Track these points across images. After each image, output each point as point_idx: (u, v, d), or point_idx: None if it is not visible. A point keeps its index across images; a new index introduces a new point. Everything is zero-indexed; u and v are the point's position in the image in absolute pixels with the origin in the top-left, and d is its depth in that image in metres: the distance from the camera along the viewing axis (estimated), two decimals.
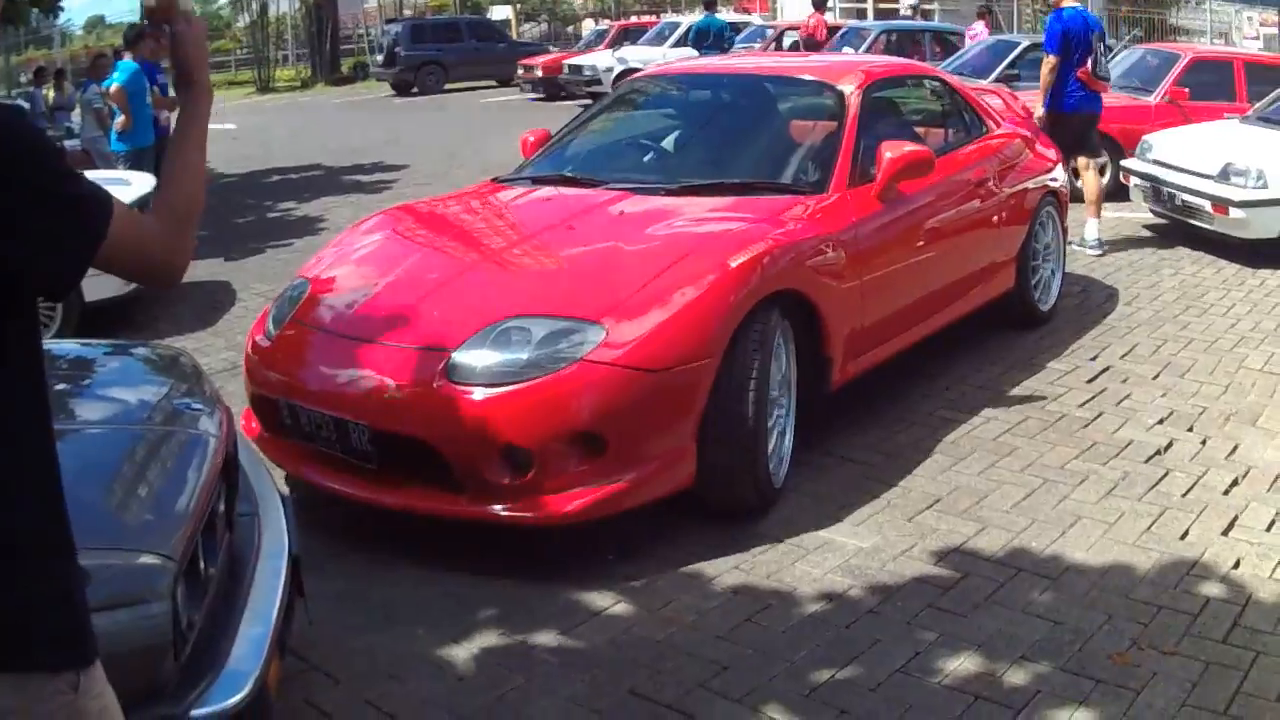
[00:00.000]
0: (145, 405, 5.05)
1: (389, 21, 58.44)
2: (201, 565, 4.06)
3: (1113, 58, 20.76)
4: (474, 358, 6.65)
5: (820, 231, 8.01)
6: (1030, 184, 11.04)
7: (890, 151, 8.69)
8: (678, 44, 37.15)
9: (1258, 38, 50.60)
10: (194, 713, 3.70)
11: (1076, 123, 14.31)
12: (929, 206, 9.34)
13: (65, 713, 2.55)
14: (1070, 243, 13.00)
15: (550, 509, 6.48)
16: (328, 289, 7.84)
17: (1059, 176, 11.76)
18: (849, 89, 9.43)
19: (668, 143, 10.03)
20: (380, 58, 48.95)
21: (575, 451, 6.50)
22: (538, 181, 9.34)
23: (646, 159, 9.77)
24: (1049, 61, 14.33)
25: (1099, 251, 14.23)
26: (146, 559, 3.64)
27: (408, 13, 71.68)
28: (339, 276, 8.02)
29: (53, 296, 2.55)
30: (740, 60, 15.92)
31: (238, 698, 3.82)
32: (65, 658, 2.57)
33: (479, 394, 6.49)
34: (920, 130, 10.64)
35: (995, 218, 10.36)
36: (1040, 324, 11.22)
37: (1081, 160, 14.72)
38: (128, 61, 16.42)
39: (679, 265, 7.24)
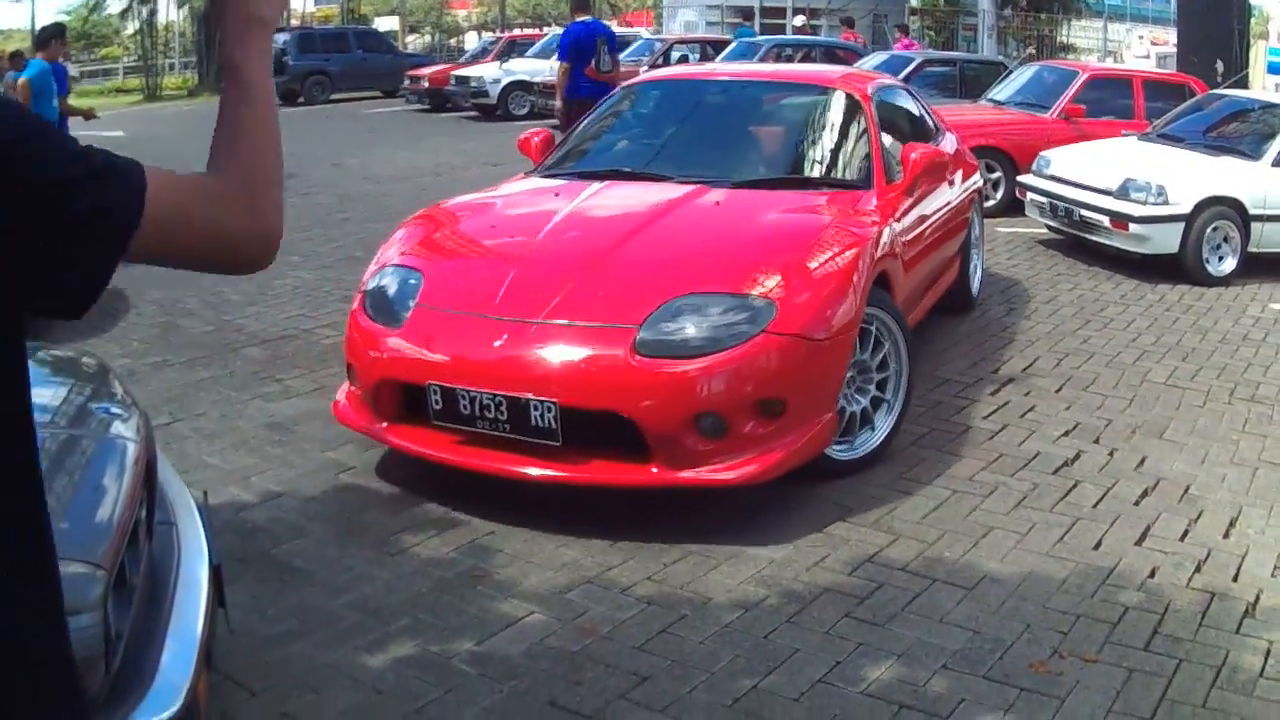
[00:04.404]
0: (45, 409, 4.87)
1: (277, 31, 58.12)
2: (127, 574, 3.93)
3: (1006, 76, 21.16)
4: (661, 333, 7.13)
5: (885, 221, 8.78)
6: (969, 183, 12.21)
7: (915, 153, 9.76)
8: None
9: (1148, 56, 51.05)
10: None
11: (589, 106, 15.70)
12: (929, 201, 10.29)
13: None
14: None
15: (743, 470, 7.00)
16: (454, 275, 8.13)
17: (979, 177, 12.86)
18: (861, 94, 10.31)
19: (712, 141, 10.39)
20: None
21: (759, 416, 7.05)
22: (588, 176, 9.69)
23: (697, 156, 9.97)
24: (562, 66, 17.98)
25: None
26: (76, 568, 3.49)
27: (295, 23, 71.32)
28: (457, 263, 8.40)
29: (67, 316, 2.02)
30: (755, 67, 19.15)
31: (170, 711, 3.68)
32: None
33: (673, 367, 6.98)
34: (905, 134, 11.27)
35: (957, 214, 11.37)
36: (972, 308, 12.40)
37: None
38: (38, 60, 16.38)
39: (816, 246, 7.96)
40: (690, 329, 7.17)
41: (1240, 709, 5.36)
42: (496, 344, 7.27)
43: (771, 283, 7.45)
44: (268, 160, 2.21)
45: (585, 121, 11.32)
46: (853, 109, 10.19)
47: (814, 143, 10.46)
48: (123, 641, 3.74)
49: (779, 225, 8.47)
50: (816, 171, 9.87)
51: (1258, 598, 6.41)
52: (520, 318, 7.40)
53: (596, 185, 9.38)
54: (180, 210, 2.05)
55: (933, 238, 10.37)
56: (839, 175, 9.73)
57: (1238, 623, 6.13)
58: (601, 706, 5.28)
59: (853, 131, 10.10)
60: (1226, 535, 7.21)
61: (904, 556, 6.77)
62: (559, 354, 7.15)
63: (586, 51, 17.71)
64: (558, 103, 18.78)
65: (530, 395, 7.01)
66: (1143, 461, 8.33)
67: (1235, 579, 6.64)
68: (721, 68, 17.95)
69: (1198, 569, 6.71)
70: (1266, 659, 5.78)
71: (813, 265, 7.72)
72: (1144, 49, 57.96)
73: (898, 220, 9.14)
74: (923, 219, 10.03)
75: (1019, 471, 8.06)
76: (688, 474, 6.98)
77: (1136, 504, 7.60)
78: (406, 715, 5.23)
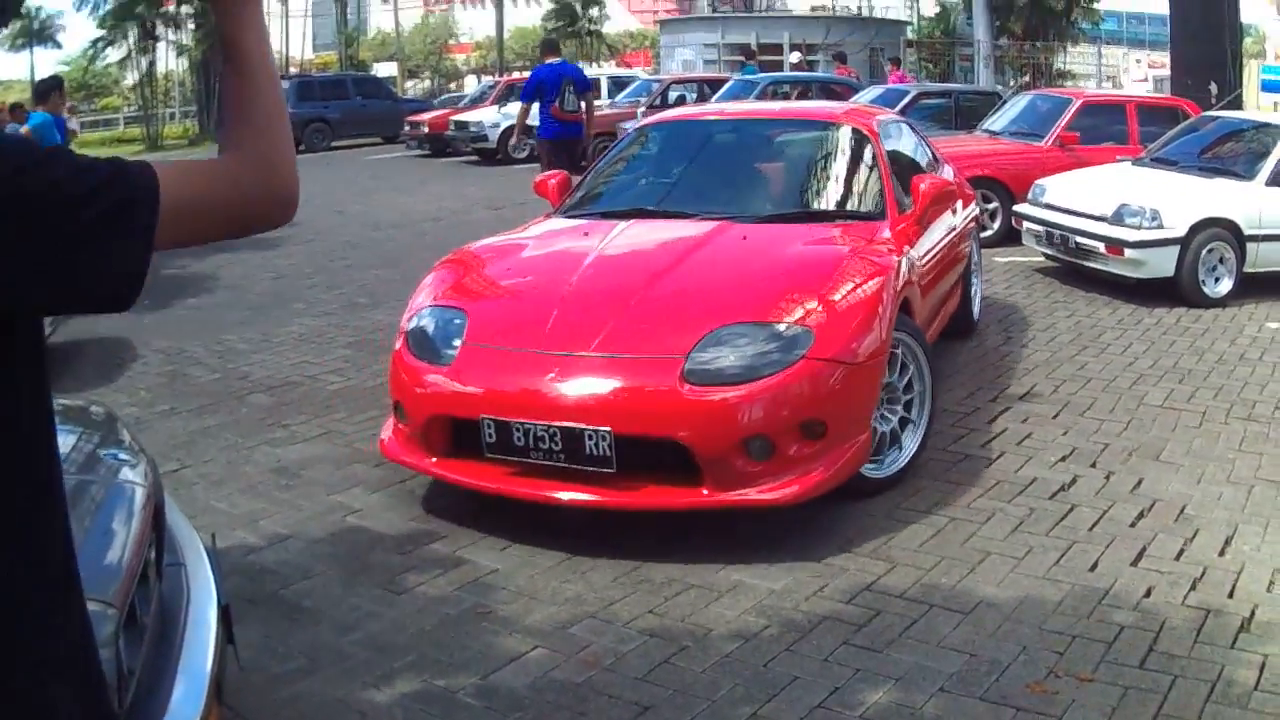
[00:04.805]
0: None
1: None
2: (138, 613, 4.03)
3: (1000, 106, 21.26)
4: (708, 362, 7.45)
5: (901, 249, 9.10)
6: (968, 211, 12.60)
7: (924, 184, 10.26)
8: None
9: (1146, 80, 51.15)
10: None
11: (561, 144, 18.52)
12: (936, 229, 10.58)
13: None
14: None
15: (787, 490, 7.29)
16: (499, 313, 8.42)
17: (975, 206, 13.18)
18: (868, 129, 10.74)
19: (730, 178, 10.74)
20: None
21: (802, 437, 7.36)
22: (611, 216, 9.95)
23: (716, 193, 10.32)
24: (522, 107, 19.63)
25: None
26: (88, 606, 3.58)
27: (294, 70, 71.34)
28: (499, 302, 8.64)
29: (114, 310, 2.19)
30: (761, 105, 20.20)
31: None
32: None
33: (721, 394, 7.30)
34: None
35: (960, 241, 11.74)
36: (973, 332, 12.68)
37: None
38: (39, 113, 16.65)
39: (844, 275, 8.30)
40: (735, 357, 7.48)
41: None
42: (549, 377, 7.54)
43: (807, 311, 7.77)
44: (275, 124, 2.33)
45: (600, 163, 11.58)
46: (861, 143, 10.55)
47: (827, 177, 10.80)
48: (135, 678, 3.82)
49: (806, 256, 8.79)
50: (832, 204, 10.20)
51: (1253, 613, 6.46)
52: (570, 351, 7.69)
53: (622, 224, 9.59)
54: (198, 193, 2.21)
55: (941, 264, 10.72)
56: (854, 207, 10.06)
57: (1233, 638, 6.18)
58: None
59: (863, 165, 10.41)
60: (1222, 553, 7.27)
61: (901, 584, 6.84)
62: (611, 385, 7.47)
63: (551, 93, 18.60)
64: (513, 140, 21.84)
65: (585, 425, 7.27)
66: (1139, 483, 8.39)
67: (1231, 595, 6.69)
68: (730, 107, 18.94)
69: (1193, 587, 6.77)
70: (1261, 672, 5.83)
71: (844, 293, 8.04)
72: (1142, 73, 58.15)
73: (912, 248, 9.47)
74: (933, 247, 10.36)
75: (1016, 497, 8.13)
76: (736, 495, 7.26)
77: (1132, 525, 7.66)
78: None
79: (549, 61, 19.42)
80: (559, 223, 10.17)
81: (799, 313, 7.77)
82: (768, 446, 7.27)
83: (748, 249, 8.97)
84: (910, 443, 8.47)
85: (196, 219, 2.21)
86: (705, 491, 7.26)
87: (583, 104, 18.76)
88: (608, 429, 7.22)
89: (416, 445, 7.98)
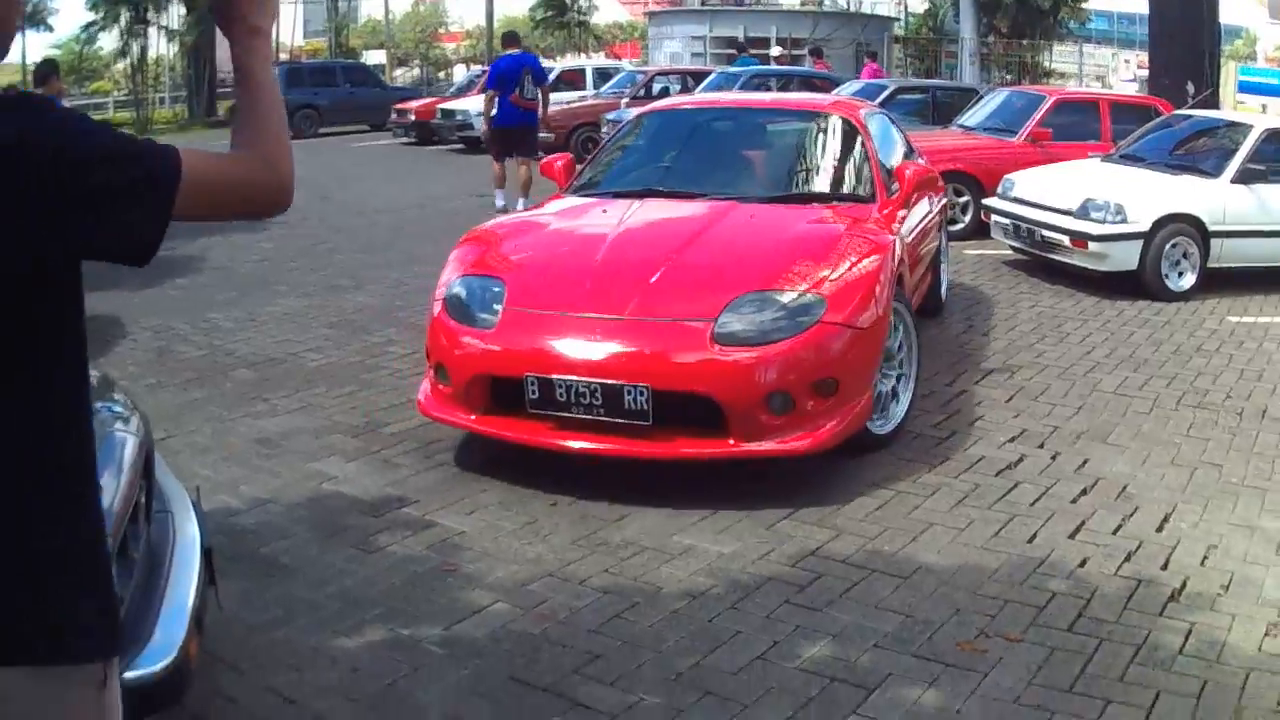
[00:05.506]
0: None
1: None
2: (129, 548, 4.39)
3: (977, 101, 21.41)
4: (735, 325, 8.10)
5: (891, 230, 9.85)
6: (939, 199, 13.42)
7: (908, 170, 11.11)
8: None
9: (1134, 79, 51.08)
10: (126, 675, 3.98)
11: (515, 132, 20.37)
12: (916, 212, 11.41)
13: (94, 708, 2.71)
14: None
15: (801, 442, 7.99)
16: (536, 280, 8.85)
17: (944, 196, 13.82)
18: (856, 119, 11.50)
19: (730, 162, 11.43)
20: None
21: (817, 395, 8.04)
22: (623, 195, 10.53)
23: (719, 175, 10.95)
24: (488, 95, 20.84)
25: (502, 204, 19.60)
26: None
27: (284, 56, 71.19)
28: (534, 270, 9.04)
29: (136, 263, 2.65)
30: (756, 95, 20.73)
31: (164, 663, 4.13)
32: (98, 647, 2.73)
33: (748, 353, 7.94)
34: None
35: (933, 225, 12.54)
36: (941, 311, 13.31)
37: (520, 160, 20.46)
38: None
39: (848, 249, 8.98)
40: (757, 320, 8.14)
41: (1156, 682, 5.70)
42: (591, 338, 8.10)
43: (819, 280, 8.44)
44: (275, 130, 2.87)
45: (602, 148, 12.32)
46: (850, 132, 11.29)
47: (820, 162, 11.60)
48: (124, 605, 4.18)
49: (814, 233, 9.51)
50: (826, 188, 10.92)
51: (1184, 584, 6.75)
52: (608, 314, 8.27)
53: (636, 203, 10.15)
54: (211, 173, 2.69)
55: (921, 244, 11.53)
56: (846, 190, 10.77)
57: (1161, 606, 6.47)
58: (556, 680, 5.67)
59: (853, 152, 11.15)
60: (1160, 529, 7.55)
61: (845, 550, 7.15)
62: (649, 345, 8.11)
63: (512, 82, 20.28)
64: (484, 127, 21.88)
65: (624, 381, 7.86)
66: (1084, 463, 8.68)
67: (1164, 567, 6.98)
68: (724, 96, 19.91)
69: (1127, 559, 7.06)
70: (1187, 639, 6.11)
71: (850, 265, 8.73)
72: (1130, 73, 58.09)
73: (900, 227, 10.25)
74: (914, 228, 11.10)
75: (962, 474, 8.44)
76: (758, 446, 7.93)
77: (1074, 502, 7.96)
78: (379, 689, 5.62)
79: (509, 52, 20.86)
80: (573, 200, 10.73)
81: (812, 282, 8.41)
82: (788, 401, 7.92)
83: (758, 225, 9.57)
84: (904, 400, 9.21)
85: (209, 195, 2.69)
86: (731, 442, 7.89)
87: (539, 93, 19.91)
88: (646, 385, 7.82)
89: (457, 404, 8.45)
